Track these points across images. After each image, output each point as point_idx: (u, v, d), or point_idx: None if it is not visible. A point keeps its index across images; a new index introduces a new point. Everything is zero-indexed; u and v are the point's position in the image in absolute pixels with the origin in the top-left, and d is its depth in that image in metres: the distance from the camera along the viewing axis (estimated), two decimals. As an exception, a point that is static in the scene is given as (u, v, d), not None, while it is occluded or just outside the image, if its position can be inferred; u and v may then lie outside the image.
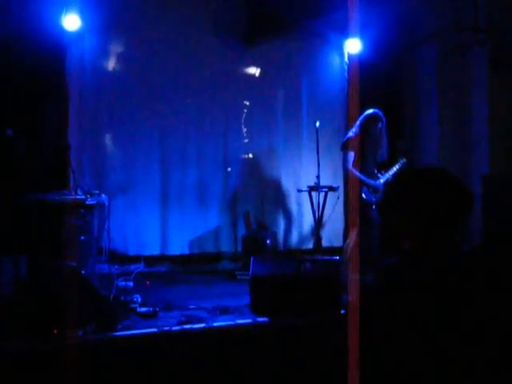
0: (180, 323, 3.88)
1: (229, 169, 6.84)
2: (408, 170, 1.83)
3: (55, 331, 3.38)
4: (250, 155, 6.99)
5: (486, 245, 5.32)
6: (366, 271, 4.52)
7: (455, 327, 1.50)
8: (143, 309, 4.22)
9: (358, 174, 5.24)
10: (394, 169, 5.52)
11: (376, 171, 5.48)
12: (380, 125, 5.33)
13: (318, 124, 5.92)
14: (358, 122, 5.33)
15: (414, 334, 1.50)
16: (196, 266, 6.55)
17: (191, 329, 3.79)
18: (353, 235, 5.19)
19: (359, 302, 1.63)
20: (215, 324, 3.88)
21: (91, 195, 4.67)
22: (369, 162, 5.39)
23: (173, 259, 6.55)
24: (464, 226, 1.64)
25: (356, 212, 5.13)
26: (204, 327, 3.81)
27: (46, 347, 3.29)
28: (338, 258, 4.62)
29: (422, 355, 1.48)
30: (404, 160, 5.60)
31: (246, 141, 6.98)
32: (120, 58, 6.39)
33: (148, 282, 5.46)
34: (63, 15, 5.58)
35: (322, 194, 6.20)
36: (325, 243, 6.62)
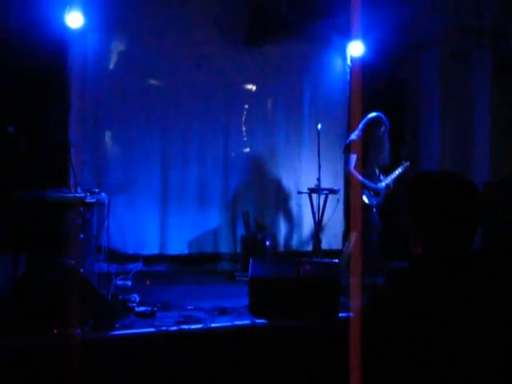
0: (178, 323, 3.85)
1: (229, 172, 6.83)
2: (420, 174, 1.82)
3: (55, 330, 3.37)
4: (251, 156, 6.98)
5: (486, 247, 5.31)
6: (367, 274, 4.51)
7: (467, 329, 1.49)
8: (141, 308, 4.18)
9: (359, 176, 5.24)
10: (397, 172, 5.53)
11: (378, 174, 5.48)
12: (383, 128, 5.34)
13: (319, 126, 5.92)
14: (361, 126, 5.34)
15: (425, 338, 1.49)
16: (195, 267, 6.55)
17: (189, 329, 3.77)
18: (353, 238, 5.18)
19: (368, 306, 1.62)
20: (213, 325, 3.86)
21: (91, 193, 4.64)
22: (371, 165, 5.40)
23: (172, 259, 6.53)
24: (477, 230, 1.63)
25: (357, 215, 5.13)
26: (202, 328, 3.80)
27: (43, 345, 3.28)
28: (337, 260, 4.61)
29: (434, 359, 1.47)
30: (407, 164, 5.60)
31: (247, 142, 6.98)
32: (122, 56, 6.38)
33: (148, 282, 5.45)
34: (66, 13, 5.57)
35: (323, 197, 6.20)
36: (324, 246, 6.60)
